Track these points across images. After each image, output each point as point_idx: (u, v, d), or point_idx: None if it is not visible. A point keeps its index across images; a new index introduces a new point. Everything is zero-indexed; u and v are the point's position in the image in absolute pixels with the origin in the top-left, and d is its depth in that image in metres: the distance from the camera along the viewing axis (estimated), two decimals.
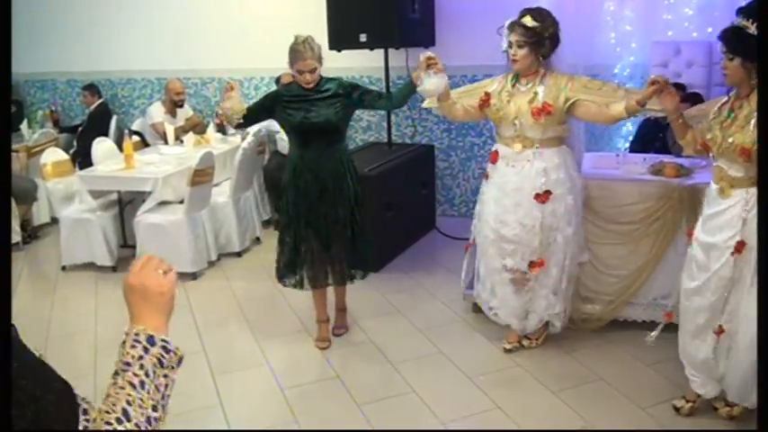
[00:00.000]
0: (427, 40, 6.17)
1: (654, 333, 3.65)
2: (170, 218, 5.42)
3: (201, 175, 5.42)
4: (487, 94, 3.92)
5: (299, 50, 3.90)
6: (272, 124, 5.85)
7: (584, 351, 4.07)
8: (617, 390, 3.67)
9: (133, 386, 1.17)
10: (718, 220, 3.15)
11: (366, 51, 6.08)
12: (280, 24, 6.61)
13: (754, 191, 2.99)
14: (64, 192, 5.84)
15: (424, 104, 4.19)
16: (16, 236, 6.23)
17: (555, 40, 3.77)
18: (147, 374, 1.19)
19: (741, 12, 2.98)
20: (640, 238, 4.05)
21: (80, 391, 1.17)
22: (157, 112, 6.90)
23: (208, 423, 3.59)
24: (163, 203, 5.61)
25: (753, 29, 2.89)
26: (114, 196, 5.88)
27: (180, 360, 1.28)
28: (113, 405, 1.14)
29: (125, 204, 5.88)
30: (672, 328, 3.52)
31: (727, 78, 3.12)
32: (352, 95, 4.04)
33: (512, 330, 4.15)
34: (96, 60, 7.99)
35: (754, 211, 2.98)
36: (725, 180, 3.12)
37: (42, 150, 6.34)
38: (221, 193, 5.99)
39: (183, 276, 5.44)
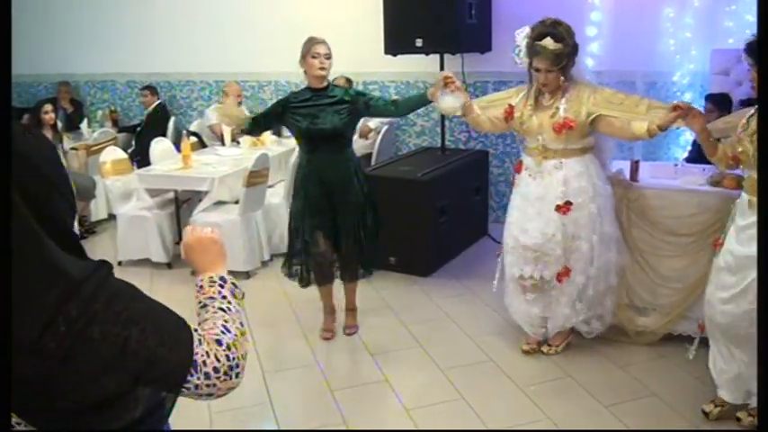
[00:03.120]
0: (483, 45, 6.14)
1: (692, 347, 3.76)
2: (225, 217, 5.50)
3: (257, 177, 5.50)
4: (511, 107, 3.96)
5: (315, 38, 4.08)
6: None
7: (638, 365, 3.99)
8: (670, 406, 3.58)
9: (223, 311, 1.47)
10: (751, 230, 3.11)
11: (422, 56, 6.09)
12: (337, 28, 6.65)
13: None
14: (122, 189, 5.99)
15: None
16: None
17: (575, 53, 3.73)
18: (229, 302, 1.51)
19: None
20: (698, 251, 3.94)
21: None
22: (215, 114, 7.02)
23: (257, 421, 3.64)
24: (218, 203, 5.71)
25: None
26: (171, 195, 5.98)
27: (243, 294, 1.58)
28: (214, 324, 1.43)
29: (181, 203, 5.99)
30: None
31: (755, 90, 3.09)
32: (358, 102, 4.14)
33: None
34: (155, 62, 8.18)
35: None
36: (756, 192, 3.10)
37: (102, 149, 6.52)
38: (275, 194, 6.07)
39: (235, 275, 5.44)
